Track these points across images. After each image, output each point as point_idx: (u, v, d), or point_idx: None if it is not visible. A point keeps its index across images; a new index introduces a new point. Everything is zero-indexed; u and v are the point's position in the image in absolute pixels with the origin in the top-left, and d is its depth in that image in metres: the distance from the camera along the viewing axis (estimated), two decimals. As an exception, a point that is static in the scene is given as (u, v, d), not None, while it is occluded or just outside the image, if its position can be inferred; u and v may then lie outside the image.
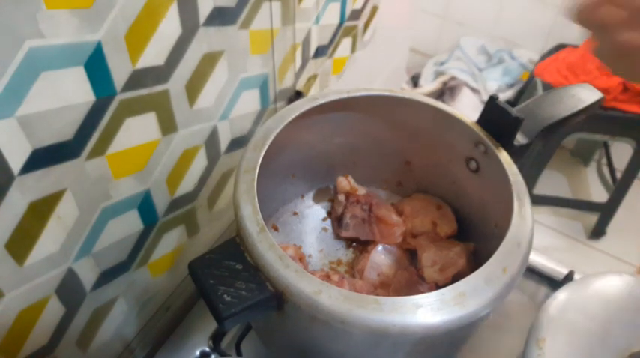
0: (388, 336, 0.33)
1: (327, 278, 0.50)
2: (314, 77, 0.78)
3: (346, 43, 0.82)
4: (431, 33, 1.78)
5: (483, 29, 1.71)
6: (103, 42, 0.36)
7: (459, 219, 0.55)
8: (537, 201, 1.47)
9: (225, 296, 0.33)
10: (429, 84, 1.67)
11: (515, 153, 0.45)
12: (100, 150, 0.40)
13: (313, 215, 0.58)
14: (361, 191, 0.56)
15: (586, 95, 0.48)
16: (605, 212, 1.45)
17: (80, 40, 0.34)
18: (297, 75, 0.71)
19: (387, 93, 0.49)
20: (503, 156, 0.44)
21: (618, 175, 1.43)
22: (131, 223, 0.48)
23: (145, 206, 0.49)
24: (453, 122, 0.48)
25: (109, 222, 0.45)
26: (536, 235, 0.39)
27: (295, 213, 0.58)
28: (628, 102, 1.30)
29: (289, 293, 0.33)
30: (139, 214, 0.48)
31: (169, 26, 0.42)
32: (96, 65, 0.36)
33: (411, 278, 0.51)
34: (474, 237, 0.53)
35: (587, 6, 0.30)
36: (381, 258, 0.54)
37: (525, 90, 1.50)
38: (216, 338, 0.55)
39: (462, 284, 0.33)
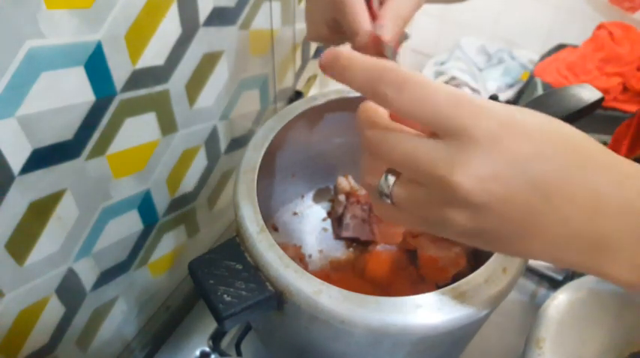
0: (388, 336, 0.33)
1: (327, 278, 0.50)
2: (314, 77, 0.78)
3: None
4: (431, 33, 1.78)
5: (483, 29, 1.71)
6: (103, 42, 0.36)
7: (459, 219, 0.55)
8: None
9: (225, 296, 0.33)
10: (429, 84, 1.67)
11: (515, 153, 0.45)
12: (100, 150, 0.40)
13: (313, 215, 0.58)
14: (361, 191, 0.56)
15: (586, 95, 0.48)
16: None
17: (80, 40, 0.34)
18: (297, 75, 0.71)
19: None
20: (503, 156, 0.44)
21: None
22: (131, 223, 0.48)
23: (145, 206, 0.48)
24: (453, 122, 0.48)
25: (109, 222, 0.45)
26: (536, 235, 0.39)
27: (295, 213, 0.58)
28: (628, 102, 1.31)
29: (289, 293, 0.33)
30: (139, 214, 0.48)
31: (169, 26, 0.42)
32: (96, 65, 0.36)
33: (411, 278, 0.51)
34: (474, 237, 0.53)
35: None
36: (381, 258, 0.54)
37: (525, 90, 1.50)
38: (216, 338, 0.55)
39: (462, 284, 0.33)
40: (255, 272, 0.35)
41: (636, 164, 0.23)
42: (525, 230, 0.22)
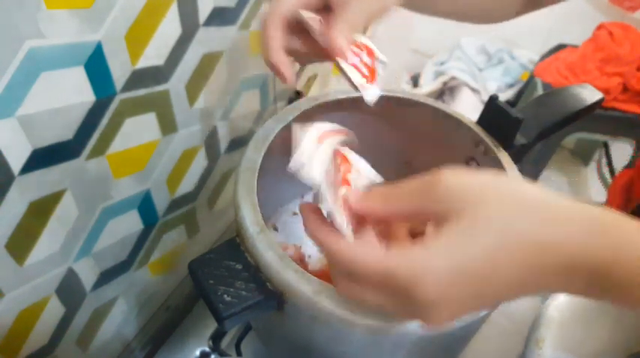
0: (388, 336, 0.33)
1: (327, 278, 0.50)
2: (314, 77, 0.78)
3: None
4: (431, 33, 1.78)
5: (483, 29, 1.71)
6: (103, 42, 0.36)
7: (459, 219, 0.55)
8: (537, 201, 1.46)
9: (225, 296, 0.33)
10: (429, 84, 1.67)
11: (516, 154, 0.45)
12: (100, 150, 0.40)
13: (313, 215, 0.58)
14: (361, 191, 0.56)
15: (586, 95, 0.48)
16: (605, 212, 1.45)
17: (80, 40, 0.34)
18: (297, 75, 0.71)
19: (387, 93, 0.49)
20: (504, 156, 0.44)
21: (618, 175, 1.43)
22: (131, 223, 0.48)
23: (145, 206, 0.49)
24: (453, 122, 0.48)
25: (109, 222, 0.45)
26: (536, 235, 0.39)
27: (295, 213, 0.58)
28: (628, 102, 1.30)
29: (289, 293, 0.33)
30: (139, 214, 0.48)
31: (169, 26, 0.42)
32: (96, 65, 0.36)
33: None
34: (474, 237, 0.53)
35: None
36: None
37: (525, 90, 1.50)
38: (216, 338, 0.55)
39: (462, 284, 0.33)
40: (255, 273, 0.35)
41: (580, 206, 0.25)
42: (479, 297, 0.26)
